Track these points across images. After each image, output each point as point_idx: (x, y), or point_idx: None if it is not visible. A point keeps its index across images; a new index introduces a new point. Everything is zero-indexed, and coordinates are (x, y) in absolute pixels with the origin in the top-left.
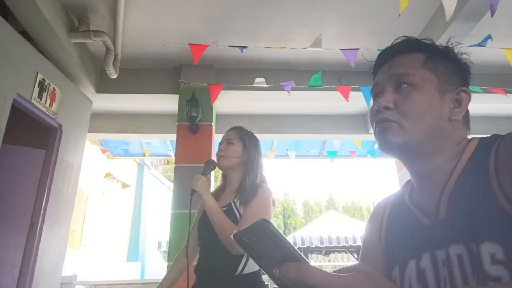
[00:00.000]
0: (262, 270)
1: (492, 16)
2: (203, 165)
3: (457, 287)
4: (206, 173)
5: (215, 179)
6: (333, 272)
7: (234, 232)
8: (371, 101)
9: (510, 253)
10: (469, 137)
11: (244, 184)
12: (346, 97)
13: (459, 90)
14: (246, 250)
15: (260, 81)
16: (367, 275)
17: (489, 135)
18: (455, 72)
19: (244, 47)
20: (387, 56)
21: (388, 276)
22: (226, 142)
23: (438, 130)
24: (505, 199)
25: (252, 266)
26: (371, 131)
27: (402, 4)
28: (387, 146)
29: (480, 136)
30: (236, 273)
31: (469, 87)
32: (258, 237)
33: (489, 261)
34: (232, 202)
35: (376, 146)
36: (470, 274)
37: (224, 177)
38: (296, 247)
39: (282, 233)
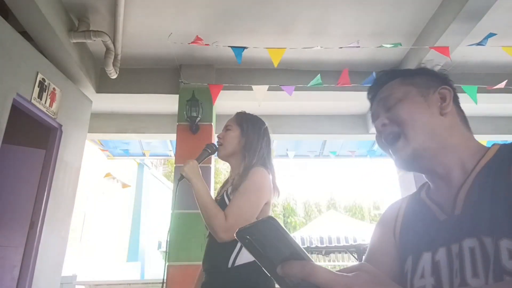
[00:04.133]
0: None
1: None
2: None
3: (466, 278)
4: (200, 158)
5: (215, 172)
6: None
7: (237, 230)
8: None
9: None
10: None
11: (239, 170)
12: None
13: (440, 88)
14: (247, 248)
15: (259, 88)
16: (371, 275)
17: (509, 142)
18: (431, 78)
19: (244, 47)
20: (373, 92)
21: (400, 272)
22: (224, 129)
23: (435, 126)
24: None
25: (244, 257)
26: (371, 131)
27: None
28: (401, 162)
29: (487, 138)
30: (229, 266)
31: (451, 84)
32: (262, 234)
33: (507, 256)
34: (225, 191)
35: (376, 146)
36: (480, 267)
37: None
38: (301, 245)
39: (287, 230)
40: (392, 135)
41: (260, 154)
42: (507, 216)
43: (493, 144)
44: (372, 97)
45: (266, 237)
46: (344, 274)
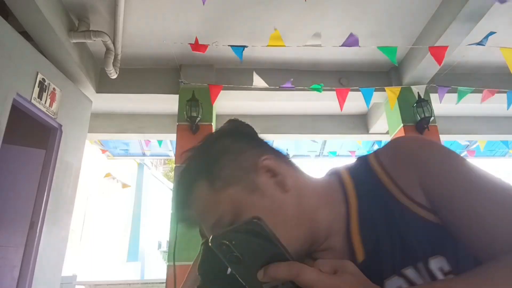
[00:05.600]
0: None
1: (501, 3)
2: None
3: None
4: None
5: None
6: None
7: (212, 236)
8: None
9: (451, 259)
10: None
11: None
12: (342, 102)
13: (260, 164)
14: (225, 257)
15: (259, 80)
16: (355, 276)
17: (353, 163)
18: (237, 156)
19: (245, 46)
20: (187, 215)
21: None
22: None
23: (291, 211)
24: (415, 204)
25: None
26: (371, 131)
27: None
28: None
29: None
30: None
31: (268, 153)
32: (244, 238)
33: (442, 276)
34: None
35: (376, 146)
36: None
37: None
38: (285, 246)
39: (272, 230)
40: None
41: None
42: (413, 237)
43: (336, 174)
44: (194, 220)
45: (248, 240)
46: (331, 275)
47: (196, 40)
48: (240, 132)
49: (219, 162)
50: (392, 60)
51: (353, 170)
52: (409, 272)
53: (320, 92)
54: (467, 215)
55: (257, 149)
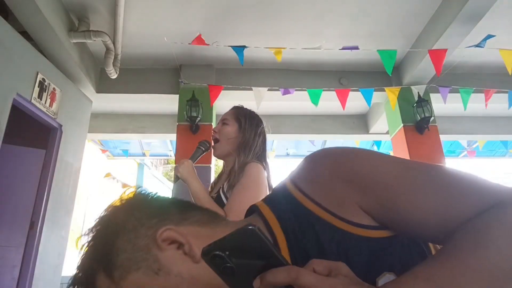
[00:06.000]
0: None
1: None
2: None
3: None
4: (195, 157)
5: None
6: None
7: (203, 248)
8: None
9: (398, 272)
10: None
11: (234, 166)
12: (343, 102)
13: (156, 241)
14: (216, 267)
15: (259, 89)
16: (348, 277)
17: (271, 195)
18: (130, 237)
19: (244, 46)
20: None
21: None
22: (221, 122)
23: (210, 284)
24: (352, 225)
25: None
26: (371, 131)
27: None
28: None
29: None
30: None
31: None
32: (239, 247)
33: None
34: (220, 187)
35: (375, 147)
36: None
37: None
38: (281, 252)
39: (267, 236)
40: None
41: (255, 151)
42: (353, 258)
43: (256, 211)
44: None
45: (243, 248)
46: (327, 277)
47: (199, 36)
48: (138, 202)
49: (114, 246)
50: (389, 66)
51: (273, 205)
52: None
53: (318, 97)
54: (406, 206)
55: (156, 219)
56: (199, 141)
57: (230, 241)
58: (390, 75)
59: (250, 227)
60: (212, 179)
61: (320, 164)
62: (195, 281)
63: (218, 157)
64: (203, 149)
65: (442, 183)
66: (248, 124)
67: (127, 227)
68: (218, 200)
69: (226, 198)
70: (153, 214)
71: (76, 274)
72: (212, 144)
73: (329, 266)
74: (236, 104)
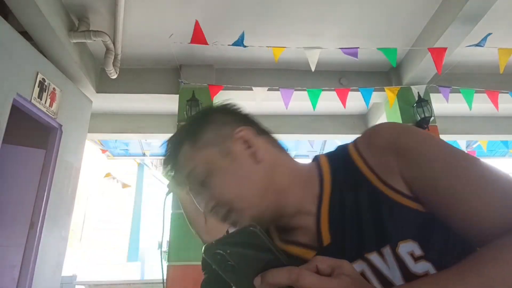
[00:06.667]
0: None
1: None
2: None
3: None
4: None
5: None
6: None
7: (205, 247)
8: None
9: (425, 244)
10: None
11: None
12: (343, 101)
13: (235, 134)
14: (219, 267)
15: (259, 89)
16: (351, 277)
17: (334, 150)
18: (218, 127)
19: (244, 46)
20: (169, 168)
21: None
22: None
23: (259, 182)
24: (392, 190)
25: None
26: None
27: None
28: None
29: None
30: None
31: (245, 127)
32: (240, 246)
33: (412, 261)
34: None
35: None
36: (378, 286)
37: None
38: (281, 252)
39: (267, 236)
40: (227, 213)
41: None
42: (386, 221)
43: (316, 160)
44: (175, 176)
45: (244, 248)
46: (329, 277)
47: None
48: (229, 109)
49: (204, 128)
50: (392, 61)
51: (332, 157)
52: (373, 256)
53: (317, 97)
54: (452, 198)
55: (240, 123)
56: None
57: (231, 240)
58: (395, 66)
59: (251, 228)
60: None
61: (382, 133)
62: (248, 176)
63: None
64: None
65: (484, 182)
66: None
67: (219, 120)
68: None
69: None
70: (239, 120)
71: (166, 144)
72: None
73: (332, 264)
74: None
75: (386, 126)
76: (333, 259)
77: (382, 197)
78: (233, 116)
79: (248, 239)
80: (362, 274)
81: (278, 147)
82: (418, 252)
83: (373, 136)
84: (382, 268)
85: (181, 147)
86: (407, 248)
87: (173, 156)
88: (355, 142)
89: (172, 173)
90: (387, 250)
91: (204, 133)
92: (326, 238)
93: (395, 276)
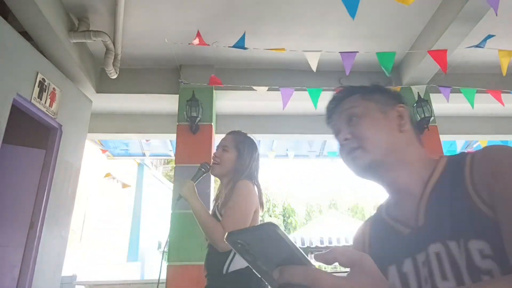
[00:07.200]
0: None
1: (496, 15)
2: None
3: (436, 283)
4: (196, 177)
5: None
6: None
7: (228, 233)
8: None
9: (496, 247)
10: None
11: (227, 185)
12: None
13: (397, 106)
14: (239, 253)
15: (260, 89)
16: (369, 276)
17: (455, 154)
18: (388, 96)
19: (245, 49)
20: (333, 106)
21: None
22: (221, 148)
23: (394, 142)
24: (480, 201)
25: (237, 264)
26: None
27: None
28: (358, 170)
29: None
30: (224, 272)
31: (404, 104)
32: (258, 240)
33: (479, 256)
34: (216, 206)
35: None
36: (448, 270)
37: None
38: (301, 250)
39: (287, 234)
40: (354, 148)
41: (249, 172)
42: (469, 220)
43: (441, 157)
44: (332, 109)
45: (263, 242)
46: (347, 278)
47: (199, 33)
48: (399, 94)
49: (377, 90)
50: (387, 67)
51: (452, 158)
52: (451, 244)
53: (318, 97)
54: (508, 222)
55: (398, 100)
56: (201, 163)
57: (252, 233)
58: (388, 76)
59: (271, 226)
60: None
61: (494, 151)
62: (388, 133)
63: (215, 176)
64: (204, 170)
65: None
66: (247, 151)
67: (389, 92)
68: (214, 217)
69: (220, 214)
70: (403, 102)
71: (341, 90)
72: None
73: (353, 258)
74: (236, 104)
75: (500, 148)
76: (355, 252)
77: (470, 200)
78: (400, 98)
79: (267, 235)
80: (438, 255)
81: (419, 136)
82: (487, 251)
83: (487, 154)
84: (456, 255)
85: (353, 94)
86: (478, 245)
87: (343, 96)
88: (473, 153)
89: (333, 105)
90: (461, 242)
91: (374, 93)
92: (421, 219)
93: (461, 265)
